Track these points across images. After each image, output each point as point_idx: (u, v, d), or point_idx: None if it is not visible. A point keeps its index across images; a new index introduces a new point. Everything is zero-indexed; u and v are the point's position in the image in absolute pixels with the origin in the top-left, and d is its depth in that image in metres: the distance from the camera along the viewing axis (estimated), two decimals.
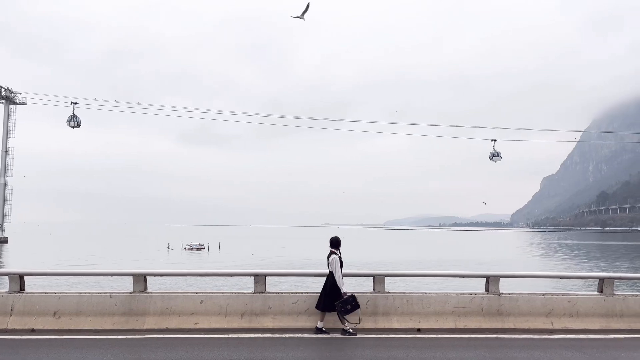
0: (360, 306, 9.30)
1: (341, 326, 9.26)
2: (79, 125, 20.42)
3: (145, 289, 9.94)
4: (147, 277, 10.07)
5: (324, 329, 9.31)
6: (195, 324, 9.48)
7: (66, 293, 9.71)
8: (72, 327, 9.31)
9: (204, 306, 9.67)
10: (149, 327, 9.36)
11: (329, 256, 9.55)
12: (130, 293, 9.76)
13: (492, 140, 23.02)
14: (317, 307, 9.44)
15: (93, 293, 9.78)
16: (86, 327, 9.32)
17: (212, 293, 9.86)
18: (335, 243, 9.67)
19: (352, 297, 9.19)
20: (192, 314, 9.60)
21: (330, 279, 9.39)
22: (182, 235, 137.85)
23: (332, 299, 9.20)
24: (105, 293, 9.76)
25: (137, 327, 9.36)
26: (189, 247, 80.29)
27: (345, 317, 9.19)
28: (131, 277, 9.98)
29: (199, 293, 9.85)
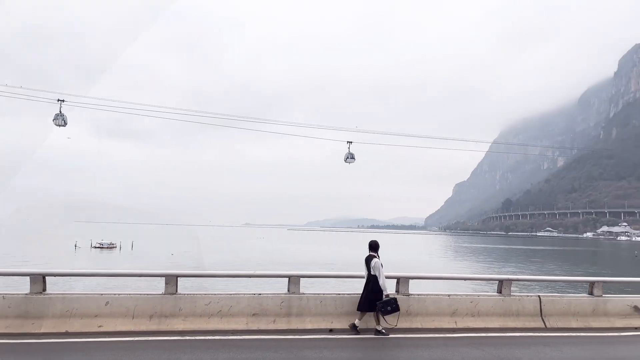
0: (279, 308, 9.28)
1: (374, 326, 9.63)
2: (65, 124, 19.13)
3: (44, 290, 9.26)
4: (47, 277, 9.40)
5: (358, 328, 9.59)
6: (99, 326, 8.97)
7: None
8: None
9: (110, 308, 9.18)
10: (46, 331, 8.73)
11: (369, 259, 9.78)
12: (26, 294, 9.06)
13: (347, 142, 23.51)
14: (358, 308, 9.67)
15: None
16: None
17: (118, 294, 9.39)
18: (374, 247, 9.91)
19: (394, 300, 9.54)
20: (96, 316, 9.08)
21: (373, 281, 9.53)
22: (92, 233, 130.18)
23: (373, 300, 9.45)
24: None
25: (33, 331, 8.69)
26: (98, 245, 75.99)
27: (385, 317, 9.48)
28: (28, 277, 9.28)
29: (105, 294, 9.34)
